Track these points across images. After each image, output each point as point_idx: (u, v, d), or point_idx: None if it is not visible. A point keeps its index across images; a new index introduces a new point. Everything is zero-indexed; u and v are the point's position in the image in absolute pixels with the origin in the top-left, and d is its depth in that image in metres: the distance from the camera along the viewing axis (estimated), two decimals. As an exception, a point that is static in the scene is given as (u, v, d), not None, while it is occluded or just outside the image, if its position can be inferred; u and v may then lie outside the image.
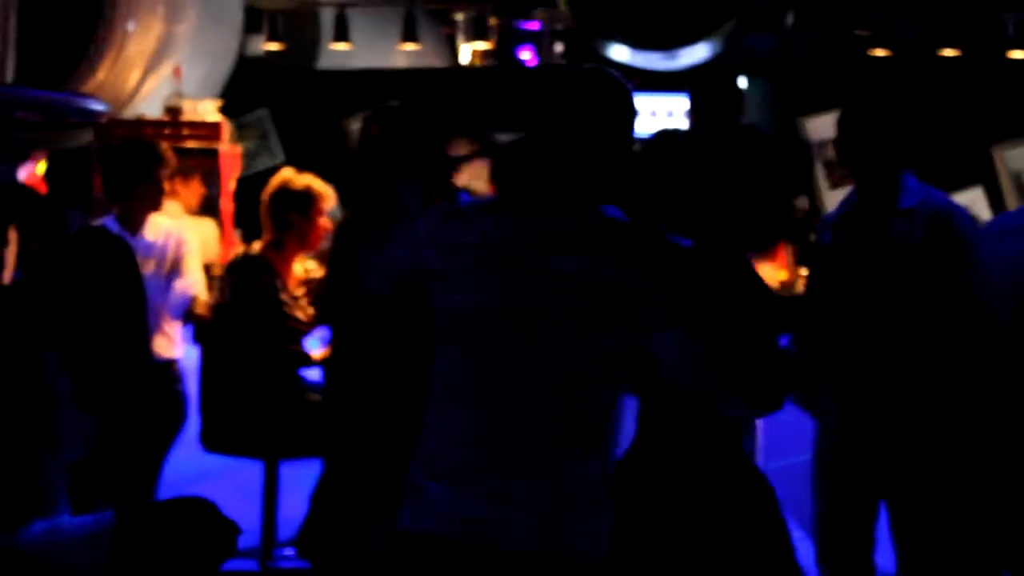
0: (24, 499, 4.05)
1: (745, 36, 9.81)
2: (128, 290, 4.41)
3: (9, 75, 7.08)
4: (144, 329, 4.54)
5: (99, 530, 4.18)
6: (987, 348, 4.52)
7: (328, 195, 6.07)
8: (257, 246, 6.20)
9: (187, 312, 6.15)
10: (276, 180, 6.13)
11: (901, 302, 4.52)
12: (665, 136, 4.14)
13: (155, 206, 6.31)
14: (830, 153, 9.44)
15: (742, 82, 9.33)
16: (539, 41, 12.26)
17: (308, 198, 6.00)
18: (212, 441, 5.99)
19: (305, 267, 6.15)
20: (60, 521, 4.12)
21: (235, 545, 4.31)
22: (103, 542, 4.16)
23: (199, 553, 4.32)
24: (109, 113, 7.83)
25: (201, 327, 6.13)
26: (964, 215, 4.65)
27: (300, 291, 6.05)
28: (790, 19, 10.48)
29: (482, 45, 10.45)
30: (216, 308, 6.08)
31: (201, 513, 4.38)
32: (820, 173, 9.89)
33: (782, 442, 6.29)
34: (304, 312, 5.98)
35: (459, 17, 12.00)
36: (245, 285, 5.94)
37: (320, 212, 6.03)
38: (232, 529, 4.36)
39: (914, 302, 4.50)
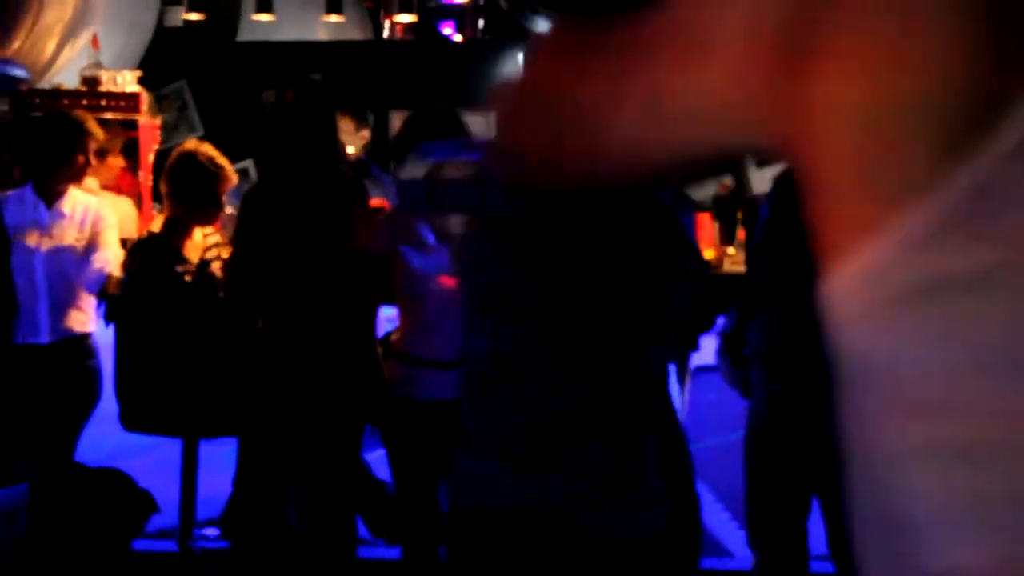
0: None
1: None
2: None
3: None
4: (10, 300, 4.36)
5: (13, 504, 4.09)
6: None
7: (230, 175, 5.91)
8: (158, 224, 6.06)
9: (101, 290, 6.02)
10: (175, 154, 5.98)
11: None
12: None
13: (76, 179, 6.20)
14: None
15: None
16: (461, 16, 12.18)
17: (211, 175, 5.83)
18: (131, 420, 5.86)
19: (204, 233, 5.96)
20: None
21: (149, 515, 4.24)
22: (18, 516, 4.07)
23: (114, 524, 4.24)
24: (26, 82, 7.66)
25: (113, 305, 5.99)
26: None
27: (210, 255, 5.88)
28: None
29: (407, 18, 10.33)
30: (123, 287, 5.93)
31: (116, 484, 4.30)
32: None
33: (713, 420, 6.26)
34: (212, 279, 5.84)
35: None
36: (143, 266, 5.79)
37: (221, 192, 5.86)
38: (147, 500, 4.29)
39: None
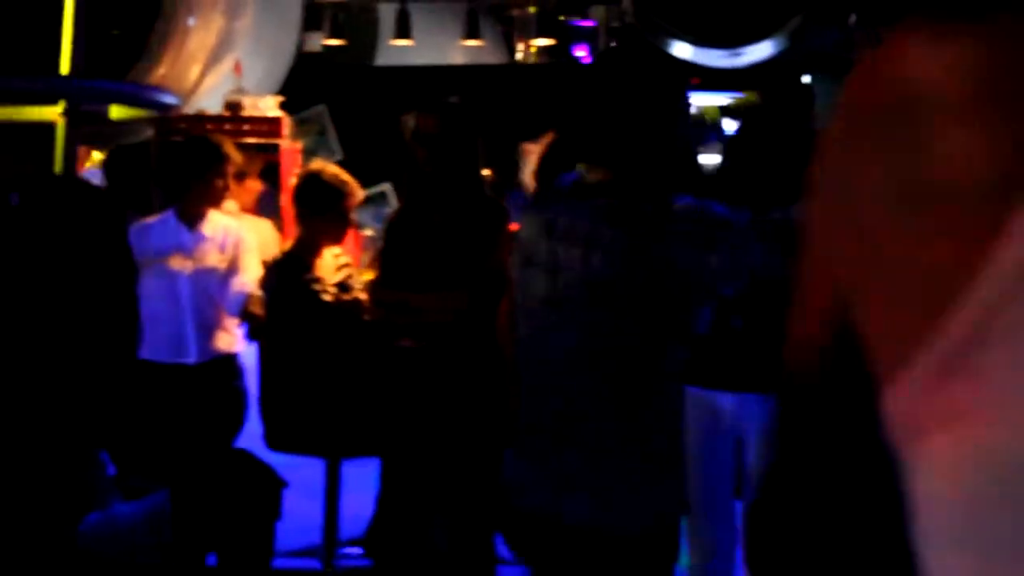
0: (81, 495, 4.04)
1: (809, 34, 9.68)
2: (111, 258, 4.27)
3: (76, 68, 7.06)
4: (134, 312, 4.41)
5: (157, 515, 4.16)
6: None
7: (355, 191, 5.97)
8: (288, 244, 6.14)
9: (242, 310, 6.11)
10: (301, 175, 6.07)
11: None
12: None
13: (215, 203, 6.28)
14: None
15: (807, 79, 9.24)
16: (594, 39, 12.18)
17: (336, 192, 5.90)
18: (275, 440, 5.92)
19: (333, 253, 6.02)
20: (114, 511, 4.11)
21: (281, 490, 4.31)
22: (163, 526, 4.15)
23: (255, 513, 4.32)
24: (176, 108, 7.80)
25: (255, 325, 6.09)
26: None
27: (340, 276, 5.95)
28: (853, 17, 10.35)
29: (544, 41, 10.37)
30: (265, 307, 6.01)
31: (246, 466, 4.37)
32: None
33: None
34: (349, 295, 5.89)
35: (516, 13, 11.95)
36: (279, 285, 5.86)
37: (347, 209, 5.93)
38: (273, 477, 4.35)
39: None
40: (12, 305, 4.09)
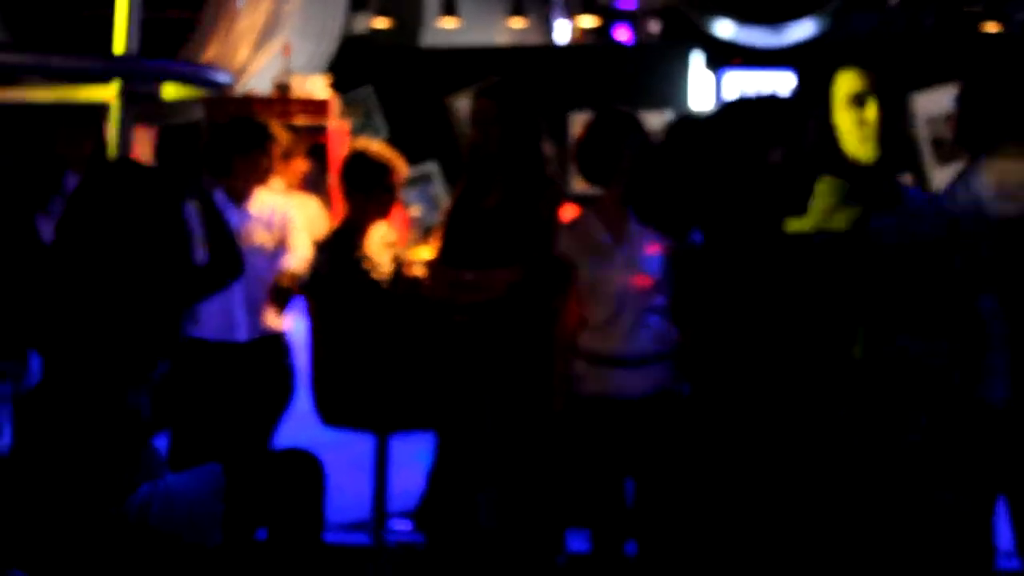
0: (133, 468, 4.11)
1: (851, 13, 9.69)
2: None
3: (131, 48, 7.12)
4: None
5: (209, 489, 4.22)
6: None
7: (401, 167, 6.02)
8: (336, 222, 6.21)
9: (299, 285, 6.15)
10: (348, 155, 6.12)
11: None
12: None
13: (260, 181, 6.33)
14: (939, 129, 9.37)
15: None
16: (635, 20, 12.20)
17: (382, 168, 5.98)
18: (327, 414, 5.99)
19: (380, 232, 6.09)
20: (164, 483, 4.17)
21: (324, 480, 4.40)
22: (216, 500, 4.21)
23: (303, 502, 4.40)
24: (229, 87, 7.86)
25: (285, 300, 6.13)
26: None
27: (387, 254, 6.01)
28: (895, -2, 10.36)
29: (589, 21, 10.39)
30: (308, 284, 6.04)
31: (295, 462, 4.46)
32: (927, 149, 9.76)
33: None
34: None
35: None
36: (330, 264, 5.91)
37: (393, 184, 6.01)
38: (315, 464, 4.44)
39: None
40: (72, 284, 4.18)
